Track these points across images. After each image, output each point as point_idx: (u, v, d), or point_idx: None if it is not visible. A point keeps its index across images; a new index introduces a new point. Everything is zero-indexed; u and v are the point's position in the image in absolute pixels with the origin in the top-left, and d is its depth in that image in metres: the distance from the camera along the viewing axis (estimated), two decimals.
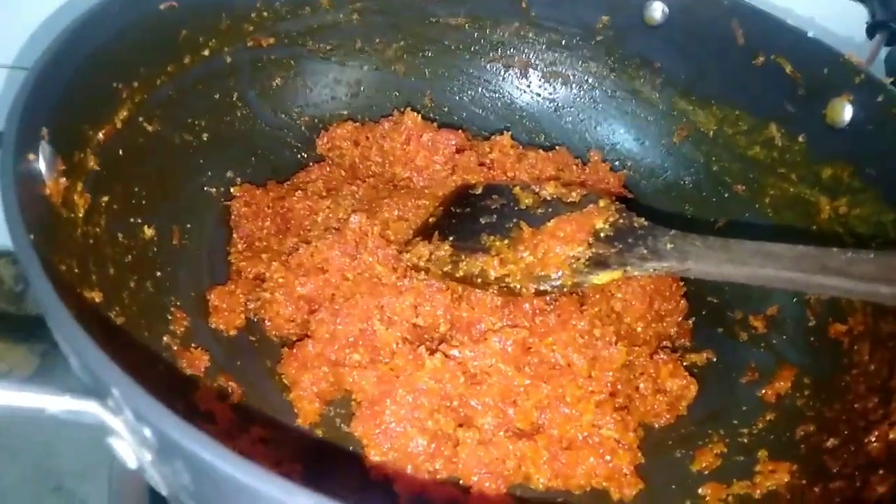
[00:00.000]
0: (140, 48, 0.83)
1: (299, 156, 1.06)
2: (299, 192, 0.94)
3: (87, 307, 0.63)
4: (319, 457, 0.75)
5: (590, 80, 1.11)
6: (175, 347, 0.78)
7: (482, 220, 0.86)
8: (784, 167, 0.95)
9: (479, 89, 1.14)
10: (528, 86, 1.14)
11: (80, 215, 0.72)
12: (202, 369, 0.78)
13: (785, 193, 0.95)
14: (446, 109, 1.13)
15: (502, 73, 1.13)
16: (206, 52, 0.93)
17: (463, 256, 0.82)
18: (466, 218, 0.88)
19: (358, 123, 1.07)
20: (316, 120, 1.08)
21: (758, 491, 0.75)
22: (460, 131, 1.04)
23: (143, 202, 0.84)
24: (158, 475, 0.46)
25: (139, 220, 0.82)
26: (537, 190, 0.87)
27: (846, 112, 0.87)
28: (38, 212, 0.62)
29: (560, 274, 0.76)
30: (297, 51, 1.04)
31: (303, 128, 1.07)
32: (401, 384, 0.75)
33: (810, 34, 0.91)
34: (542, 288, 0.77)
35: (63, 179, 0.68)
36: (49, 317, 0.49)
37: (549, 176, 0.99)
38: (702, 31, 1.00)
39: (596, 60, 1.10)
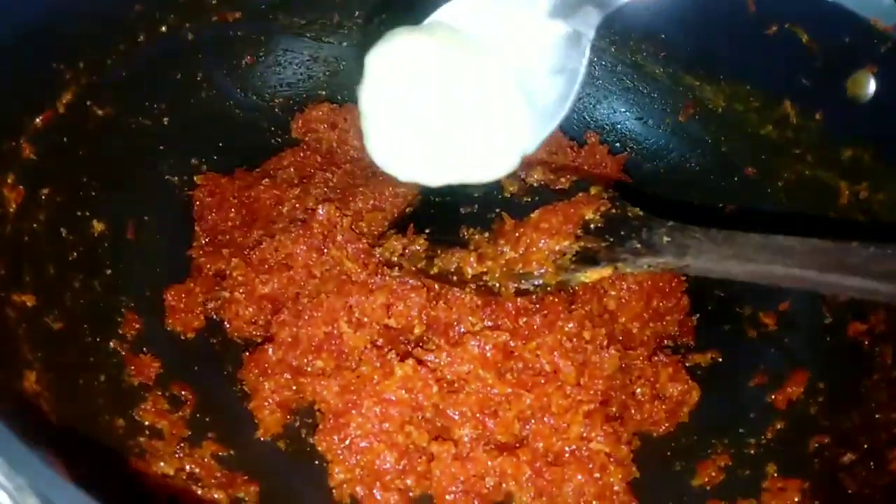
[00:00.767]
0: (85, 25, 0.76)
1: (272, 140, 0.98)
2: (266, 180, 0.87)
3: None
4: (279, 474, 0.68)
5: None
6: (123, 353, 0.72)
7: (462, 210, 0.78)
8: (799, 148, 0.87)
9: None
10: None
11: (11, 210, 0.65)
12: (153, 377, 0.71)
13: (800, 176, 0.88)
14: None
15: None
16: (164, 29, 0.86)
17: (439, 251, 0.74)
18: (445, 207, 0.80)
19: (335, 105, 0.99)
20: (290, 101, 1.01)
21: None
22: None
23: (93, 193, 0.77)
24: None
25: (87, 214, 0.76)
26: (523, 176, 0.79)
27: (869, 86, 0.79)
28: None
29: (543, 271, 0.68)
30: (268, 26, 0.97)
31: (276, 110, 1.00)
32: (367, 394, 0.68)
33: None
34: (523, 287, 0.69)
35: None
36: None
37: (539, 160, 0.91)
38: None
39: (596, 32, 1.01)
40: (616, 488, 0.68)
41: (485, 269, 0.71)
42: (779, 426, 0.76)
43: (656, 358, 0.77)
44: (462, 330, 0.73)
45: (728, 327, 0.87)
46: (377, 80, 0.63)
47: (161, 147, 0.87)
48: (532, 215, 0.72)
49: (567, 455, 0.68)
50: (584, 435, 0.68)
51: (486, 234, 0.74)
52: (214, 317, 0.80)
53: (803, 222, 0.87)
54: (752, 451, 0.74)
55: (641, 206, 0.75)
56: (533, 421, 0.69)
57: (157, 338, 0.75)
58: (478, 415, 0.68)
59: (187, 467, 0.65)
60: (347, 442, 0.67)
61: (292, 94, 1.01)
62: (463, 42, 0.62)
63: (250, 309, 0.76)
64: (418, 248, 0.75)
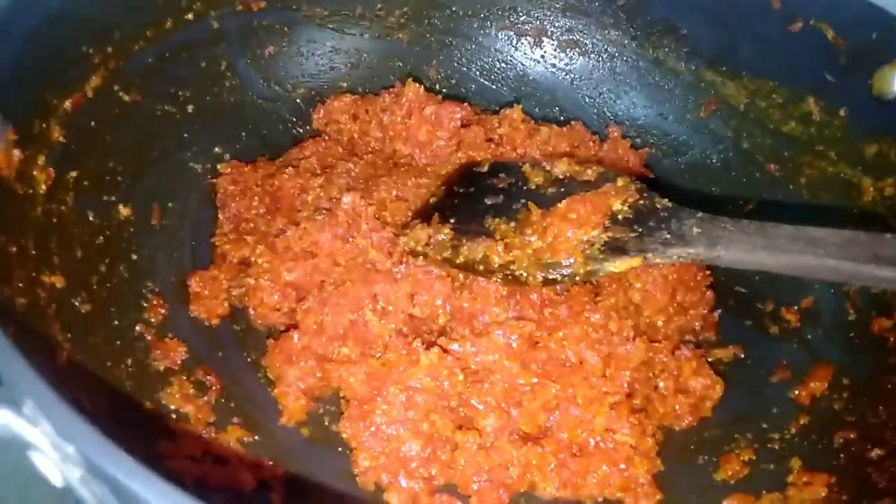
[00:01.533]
0: (114, 9, 0.76)
1: (293, 130, 0.98)
2: (290, 169, 0.87)
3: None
4: (304, 460, 0.68)
5: (609, 49, 1.03)
6: (149, 337, 0.72)
7: (487, 201, 0.78)
8: (823, 144, 0.87)
9: (489, 59, 1.05)
10: (542, 55, 1.05)
11: (42, 191, 0.66)
12: (178, 362, 0.71)
13: (823, 173, 0.87)
14: (453, 81, 1.05)
15: (514, 41, 1.05)
16: (190, 16, 0.86)
17: (464, 241, 0.74)
18: (470, 198, 0.80)
19: (357, 96, 0.99)
20: (312, 92, 1.00)
21: None
22: (467, 104, 0.96)
23: (119, 179, 0.77)
24: (91, 495, 0.40)
25: (114, 199, 0.76)
26: (549, 168, 0.79)
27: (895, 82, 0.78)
28: None
29: (571, 261, 0.68)
30: (291, 16, 0.96)
31: (297, 100, 0.99)
32: (393, 381, 0.68)
33: None
34: (550, 276, 0.69)
35: (17, 151, 0.61)
36: None
37: (562, 153, 0.91)
38: None
39: (616, 27, 1.01)
40: (641, 480, 0.68)
41: (512, 259, 0.70)
42: (803, 421, 0.75)
43: (679, 352, 0.77)
44: (486, 320, 0.73)
45: (750, 323, 0.86)
46: None
47: (185, 135, 0.87)
48: (559, 205, 0.71)
49: (592, 447, 0.68)
50: (610, 426, 0.68)
51: (512, 224, 0.74)
52: (238, 304, 0.80)
53: (826, 219, 0.86)
54: (776, 446, 0.74)
55: (667, 199, 0.75)
56: (558, 412, 0.69)
57: (182, 324, 0.75)
58: (503, 405, 0.68)
59: (214, 451, 0.65)
60: (372, 429, 0.67)
61: (314, 84, 1.01)
62: None
63: (275, 296, 0.76)
64: (443, 237, 0.75)
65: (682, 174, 0.99)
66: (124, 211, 0.76)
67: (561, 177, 0.78)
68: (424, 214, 0.80)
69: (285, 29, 0.97)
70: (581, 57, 1.05)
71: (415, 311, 0.74)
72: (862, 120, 0.83)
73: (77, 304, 0.66)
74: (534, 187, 0.78)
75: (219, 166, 0.88)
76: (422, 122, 0.92)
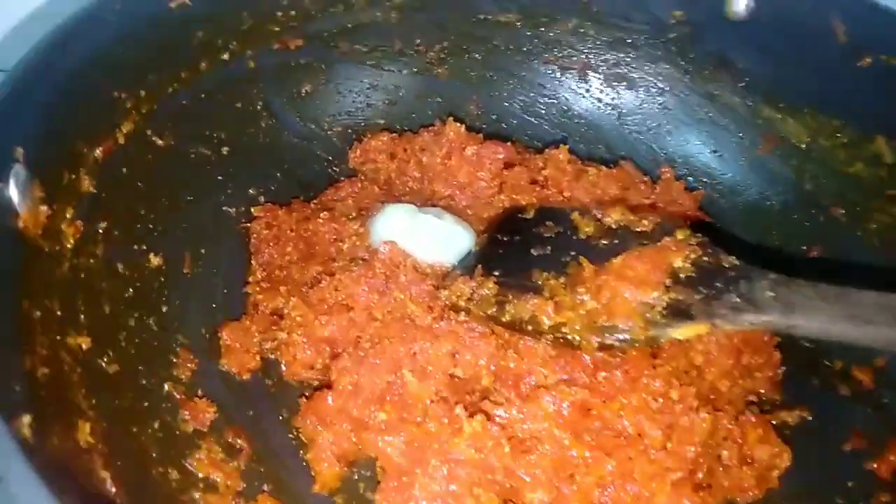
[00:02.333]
0: (147, 52, 0.74)
1: (329, 170, 0.95)
2: (325, 212, 0.84)
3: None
4: None
5: (659, 84, 0.98)
6: (178, 396, 0.68)
7: (534, 252, 0.73)
8: (894, 188, 0.80)
9: (532, 94, 1.01)
10: (588, 90, 1.01)
11: (69, 246, 0.63)
12: (207, 423, 0.68)
13: (895, 219, 0.80)
14: (494, 117, 1.01)
15: (558, 75, 1.00)
16: (226, 56, 0.84)
17: (510, 297, 0.69)
18: (515, 248, 0.75)
19: (395, 134, 0.96)
20: (349, 130, 0.97)
21: None
22: (509, 143, 0.92)
23: (150, 226, 0.75)
24: None
25: (144, 247, 0.73)
26: (600, 216, 0.74)
27: None
28: (4, 250, 0.53)
29: (630, 325, 0.63)
30: (329, 53, 0.94)
31: (334, 139, 0.97)
32: (434, 452, 0.63)
33: None
34: (607, 342, 0.64)
35: (44, 207, 0.58)
36: None
37: (612, 197, 0.86)
38: (793, 26, 0.86)
39: (667, 61, 0.96)
40: None
41: (563, 320, 0.65)
42: (884, 499, 0.68)
43: (743, 417, 0.71)
44: (533, 382, 0.68)
45: (817, 382, 0.80)
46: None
47: (219, 177, 0.85)
48: (614, 261, 0.66)
49: None
50: None
51: (562, 280, 0.69)
52: (270, 356, 0.76)
53: None
54: None
55: (721, 248, 0.69)
56: (613, 487, 0.63)
57: (212, 380, 0.72)
58: (553, 479, 0.63)
59: None
60: (412, 503, 0.62)
61: (351, 122, 0.98)
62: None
63: (308, 352, 0.72)
64: (487, 292, 0.71)
65: (739, 216, 0.94)
66: (155, 260, 0.74)
67: (614, 226, 0.73)
68: (466, 265, 0.76)
69: (322, 67, 0.94)
70: (629, 91, 1.00)
71: (456, 372, 0.69)
72: None
73: (104, 364, 0.63)
74: (584, 238, 0.73)
75: (253, 209, 0.86)
76: (462, 162, 0.88)
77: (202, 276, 0.79)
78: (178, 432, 0.66)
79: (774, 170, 0.92)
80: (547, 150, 0.93)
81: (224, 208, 0.85)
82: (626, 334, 0.63)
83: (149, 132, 0.75)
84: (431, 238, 0.78)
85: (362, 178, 0.93)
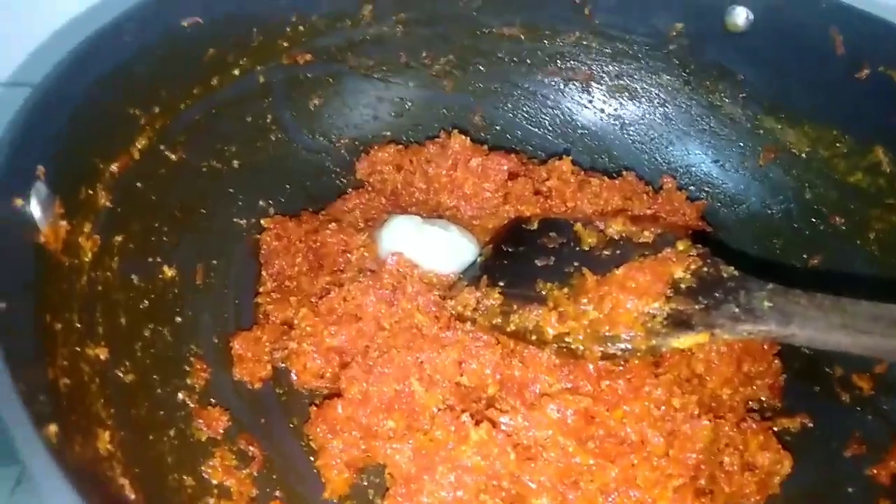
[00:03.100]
0: (161, 69, 0.76)
1: (337, 182, 0.97)
2: (334, 224, 0.85)
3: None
4: None
5: (661, 95, 1.00)
6: (192, 405, 0.70)
7: (538, 263, 0.75)
8: (893, 197, 0.82)
9: (536, 106, 1.03)
10: (591, 101, 1.02)
11: (87, 260, 0.65)
12: (220, 431, 0.70)
13: (893, 228, 0.82)
14: (499, 129, 1.03)
15: (561, 87, 1.02)
16: (237, 72, 0.85)
17: (515, 307, 0.71)
18: (519, 259, 0.77)
19: (401, 146, 0.98)
20: (356, 142, 0.99)
21: None
22: (513, 155, 0.94)
23: (165, 239, 0.76)
24: None
25: (158, 259, 0.75)
26: (602, 227, 0.76)
27: None
28: (27, 265, 0.55)
29: (632, 335, 0.64)
30: (337, 67, 0.95)
31: (342, 151, 0.98)
32: (441, 459, 0.64)
33: None
34: (610, 351, 0.65)
35: (64, 223, 0.60)
36: None
37: (615, 207, 0.88)
38: (793, 38, 0.88)
39: (668, 72, 0.98)
40: None
41: (567, 330, 0.67)
42: None
43: (745, 424, 0.72)
44: (538, 390, 0.69)
45: (818, 389, 0.81)
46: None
47: (230, 190, 0.86)
48: (617, 272, 0.68)
49: None
50: None
51: (566, 290, 0.70)
52: (281, 365, 0.78)
53: None
54: None
55: (722, 258, 0.71)
56: (616, 494, 0.64)
57: (225, 389, 0.74)
58: (557, 485, 0.64)
59: None
60: None
61: (358, 134, 1.00)
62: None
63: (318, 361, 0.74)
64: (493, 302, 0.72)
65: (740, 225, 0.95)
66: (169, 272, 0.76)
67: (616, 237, 0.74)
68: (472, 275, 0.77)
69: (330, 80, 0.96)
70: (631, 102, 1.01)
71: (462, 380, 0.71)
72: None
73: (121, 374, 0.64)
74: (587, 249, 0.74)
75: (263, 221, 0.87)
76: (468, 174, 0.90)
77: (214, 287, 0.80)
78: (192, 440, 0.67)
79: (775, 179, 0.93)
80: (550, 161, 0.95)
81: (235, 220, 0.86)
82: (628, 343, 0.65)
83: (162, 147, 0.77)
84: (437, 249, 0.80)
85: (369, 189, 0.95)
